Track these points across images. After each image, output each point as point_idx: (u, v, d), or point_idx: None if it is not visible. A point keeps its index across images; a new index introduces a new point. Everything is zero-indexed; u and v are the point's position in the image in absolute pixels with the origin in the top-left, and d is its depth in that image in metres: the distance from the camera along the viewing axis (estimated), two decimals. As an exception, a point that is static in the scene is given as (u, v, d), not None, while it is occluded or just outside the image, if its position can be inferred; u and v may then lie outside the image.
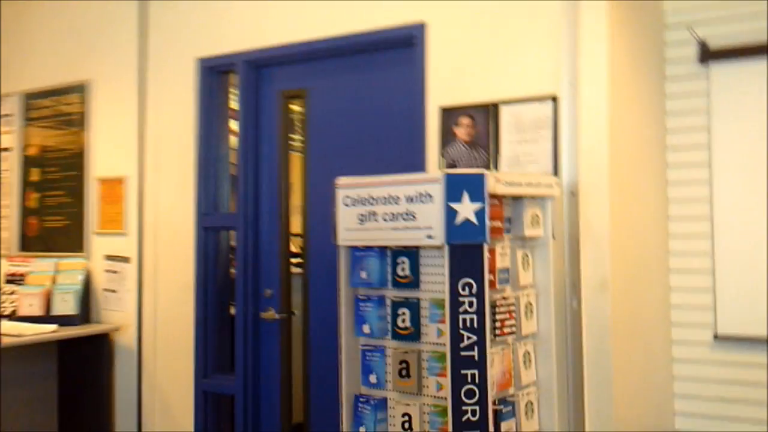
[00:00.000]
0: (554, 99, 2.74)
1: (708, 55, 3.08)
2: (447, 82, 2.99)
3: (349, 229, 2.31)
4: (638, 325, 2.85)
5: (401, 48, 3.14)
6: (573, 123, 2.69)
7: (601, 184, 2.63)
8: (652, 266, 3.03)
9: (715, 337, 2.96)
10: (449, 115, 2.97)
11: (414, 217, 2.17)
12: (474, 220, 2.10)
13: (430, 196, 2.14)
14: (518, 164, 2.81)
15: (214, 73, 3.67)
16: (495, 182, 2.14)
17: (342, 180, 2.36)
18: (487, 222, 2.10)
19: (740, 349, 2.90)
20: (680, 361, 3.03)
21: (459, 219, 2.10)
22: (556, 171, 2.72)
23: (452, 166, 2.95)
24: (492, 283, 2.19)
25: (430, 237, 2.13)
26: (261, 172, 3.54)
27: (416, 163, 3.03)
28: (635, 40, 2.96)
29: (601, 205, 2.63)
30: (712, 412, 2.93)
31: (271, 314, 3.42)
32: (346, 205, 2.32)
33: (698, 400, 2.98)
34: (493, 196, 2.16)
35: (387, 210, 2.22)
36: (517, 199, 2.34)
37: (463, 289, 2.09)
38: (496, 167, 2.85)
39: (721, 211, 3.02)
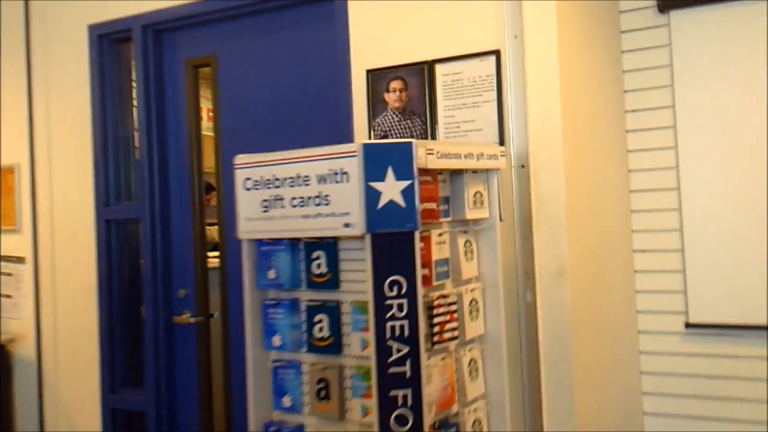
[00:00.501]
0: (497, 54, 2.33)
1: (668, 1, 2.71)
2: (374, 40, 2.55)
3: (252, 218, 1.87)
4: (602, 315, 2.48)
5: (320, 2, 2.69)
6: (519, 82, 2.28)
7: (554, 153, 2.24)
8: (615, 247, 2.66)
9: (687, 325, 2.61)
10: (378, 79, 2.54)
11: (327, 200, 1.74)
12: (401, 201, 1.68)
13: (346, 173, 1.71)
14: (459, 133, 2.40)
15: (110, 42, 3.16)
16: (426, 154, 1.73)
17: (241, 158, 1.92)
18: (418, 204, 1.69)
19: (715, 338, 2.56)
20: (649, 354, 2.68)
21: (382, 201, 1.68)
22: (502, 140, 2.32)
23: (384, 138, 2.53)
24: (427, 279, 1.78)
25: (347, 225, 1.71)
26: (169, 153, 3.07)
27: (342, 137, 2.60)
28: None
29: (555, 179, 2.24)
30: (684, 411, 2.59)
31: (186, 318, 2.97)
32: (247, 188, 1.88)
33: (669, 397, 2.63)
34: (424, 172, 1.75)
35: (295, 193, 1.79)
36: (455, 174, 1.93)
37: (391, 289, 1.67)
38: (433, 137, 2.44)
39: (688, 180, 2.67)
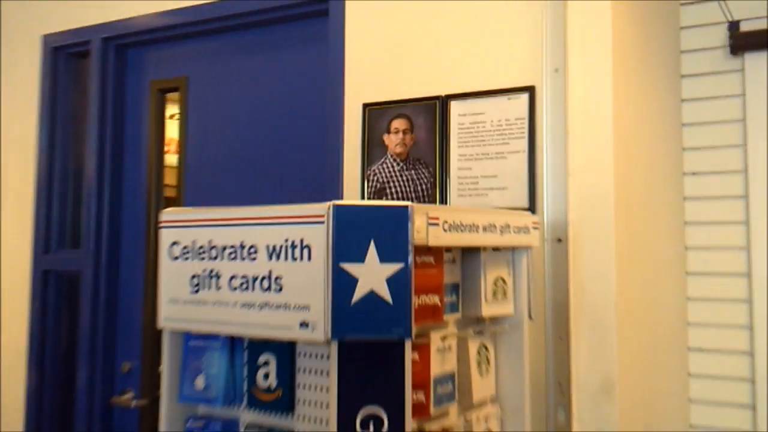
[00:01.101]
0: (531, 92, 1.79)
1: (743, 41, 2.17)
2: (374, 67, 2.03)
3: (177, 300, 1.32)
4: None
5: (312, 19, 2.18)
6: (559, 129, 1.74)
7: (602, 223, 1.68)
8: (669, 347, 2.08)
9: (765, 454, 2.01)
10: (377, 116, 2.00)
11: (280, 285, 1.18)
12: (386, 294, 1.12)
13: (308, 247, 1.16)
14: (476, 192, 1.84)
15: (66, 57, 2.66)
16: (428, 224, 1.17)
17: (169, 213, 1.37)
18: (412, 298, 1.13)
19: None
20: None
21: (359, 293, 1.12)
22: (533, 203, 1.77)
23: (380, 192, 1.98)
24: (422, 407, 1.21)
25: (305, 325, 1.15)
26: (123, 193, 2.53)
27: (329, 188, 2.06)
28: (643, 19, 2.04)
29: (603, 258, 1.67)
30: None
31: (128, 399, 2.40)
32: (174, 257, 1.33)
33: None
34: (424, 249, 1.20)
35: (237, 270, 1.24)
36: (469, 251, 1.37)
37: (365, 427, 1.10)
38: (443, 196, 1.89)
39: (761, 265, 2.09)
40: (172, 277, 1.32)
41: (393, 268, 1.12)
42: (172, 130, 2.52)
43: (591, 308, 1.68)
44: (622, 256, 1.70)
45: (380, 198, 1.97)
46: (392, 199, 1.95)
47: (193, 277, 1.29)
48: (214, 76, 2.39)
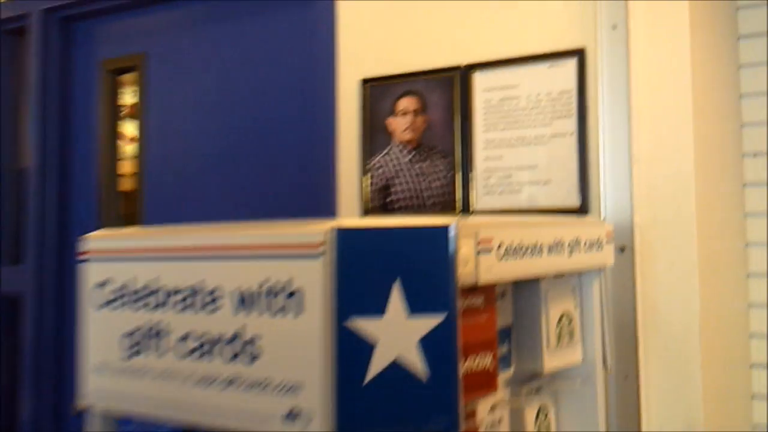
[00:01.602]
0: (580, 56, 1.38)
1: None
2: (374, 33, 1.62)
3: (105, 367, 0.91)
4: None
5: (293, -24, 1.77)
6: (621, 101, 1.33)
7: (681, 226, 1.29)
8: (735, 366, 1.69)
9: None
10: (379, 94, 1.59)
11: (255, 351, 0.78)
12: (419, 365, 0.72)
13: (299, 294, 0.75)
14: (509, 188, 1.44)
15: (5, 34, 2.22)
16: (478, 251, 0.77)
17: (94, 239, 0.96)
18: (459, 365, 0.73)
19: None
20: None
21: (378, 363, 0.72)
22: (585, 202, 1.37)
23: (384, 190, 1.57)
24: None
25: (293, 416, 0.74)
26: (72, 195, 2.11)
27: (320, 187, 1.66)
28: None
29: (682, 272, 1.28)
30: None
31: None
32: (102, 304, 0.92)
33: None
34: (470, 289, 0.80)
35: (192, 325, 0.83)
36: (522, 283, 0.97)
37: None
38: (466, 195, 1.49)
39: None
40: (99, 334, 0.91)
41: (429, 323, 0.73)
42: (129, 121, 2.10)
43: (667, 337, 1.28)
44: (707, 267, 1.30)
45: (384, 198, 1.57)
46: (399, 199, 1.55)
47: (129, 334, 0.88)
48: (177, 52, 1.97)
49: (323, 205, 1.64)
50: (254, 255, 0.79)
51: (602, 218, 1.33)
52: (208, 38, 1.91)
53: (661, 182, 1.30)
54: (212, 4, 1.91)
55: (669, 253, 1.29)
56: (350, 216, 1.62)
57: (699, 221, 1.28)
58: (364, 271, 0.73)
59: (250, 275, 0.78)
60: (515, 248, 0.84)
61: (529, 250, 0.86)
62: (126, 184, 2.07)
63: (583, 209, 1.36)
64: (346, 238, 0.73)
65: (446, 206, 1.50)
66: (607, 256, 1.05)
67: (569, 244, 0.95)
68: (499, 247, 0.81)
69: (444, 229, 0.74)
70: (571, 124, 1.38)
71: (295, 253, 0.75)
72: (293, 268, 0.75)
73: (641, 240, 1.31)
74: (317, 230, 0.74)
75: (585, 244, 0.99)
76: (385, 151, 1.58)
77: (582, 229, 0.99)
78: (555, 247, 0.92)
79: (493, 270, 0.79)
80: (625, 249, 1.31)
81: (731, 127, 1.60)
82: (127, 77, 2.07)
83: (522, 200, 1.43)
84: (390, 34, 1.59)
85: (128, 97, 2.09)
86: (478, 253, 0.77)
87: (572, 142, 1.38)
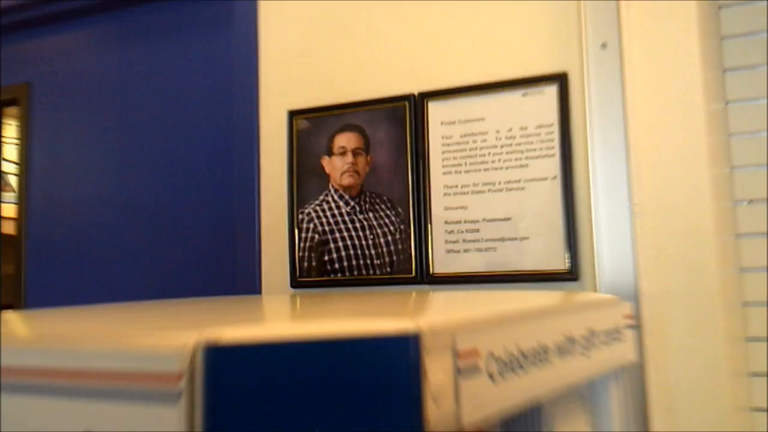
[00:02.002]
0: (561, 81, 1.10)
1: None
2: (305, 56, 1.31)
3: None
4: None
5: (207, -13, 1.46)
6: (615, 134, 1.05)
7: (702, 297, 1.00)
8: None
9: None
10: (312, 129, 1.28)
11: None
12: None
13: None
14: (477, 245, 1.14)
15: None
16: (458, 371, 0.45)
17: None
18: None
19: None
20: None
21: None
22: (574, 264, 1.07)
23: (320, 248, 1.25)
24: None
25: None
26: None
27: (238, 247, 1.33)
28: None
29: (707, 358, 0.99)
30: None
31: None
32: None
33: None
34: None
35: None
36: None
37: None
38: (422, 254, 1.17)
39: None
40: None
41: None
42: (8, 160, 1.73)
43: (686, 440, 0.98)
44: (735, 353, 1.02)
45: (320, 257, 1.24)
46: (338, 257, 1.23)
47: None
48: (70, 81, 1.62)
49: (241, 268, 1.31)
50: (63, 388, 0.45)
51: (598, 286, 1.04)
52: (106, 65, 1.58)
53: (672, 238, 1.01)
54: (110, 26, 1.58)
55: (686, 332, 1.00)
56: (275, 285, 1.29)
57: (723, 289, 1.00)
58: (257, 425, 0.40)
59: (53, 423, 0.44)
60: (512, 359, 0.52)
61: (532, 357, 0.55)
62: (10, 227, 1.70)
63: (572, 274, 1.07)
64: (225, 361, 0.41)
65: (398, 268, 1.19)
66: (627, 348, 0.75)
67: (582, 340, 0.64)
68: (491, 360, 0.49)
69: (399, 342, 0.42)
70: (552, 165, 1.10)
71: (135, 391, 0.42)
72: (131, 418, 0.42)
73: (650, 315, 1.02)
74: (173, 348, 0.41)
75: (601, 335, 0.68)
76: (320, 199, 1.26)
77: (594, 314, 0.68)
78: (565, 348, 0.61)
79: (485, 402, 0.48)
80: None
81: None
82: (8, 110, 1.72)
83: (494, 262, 1.12)
84: (324, 56, 1.29)
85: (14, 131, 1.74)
86: (458, 374, 0.46)
87: (555, 187, 1.09)
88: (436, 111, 1.19)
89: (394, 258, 1.20)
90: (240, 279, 1.31)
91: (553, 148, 1.10)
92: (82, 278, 1.52)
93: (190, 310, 0.67)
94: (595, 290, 1.05)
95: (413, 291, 1.14)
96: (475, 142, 1.15)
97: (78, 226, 1.56)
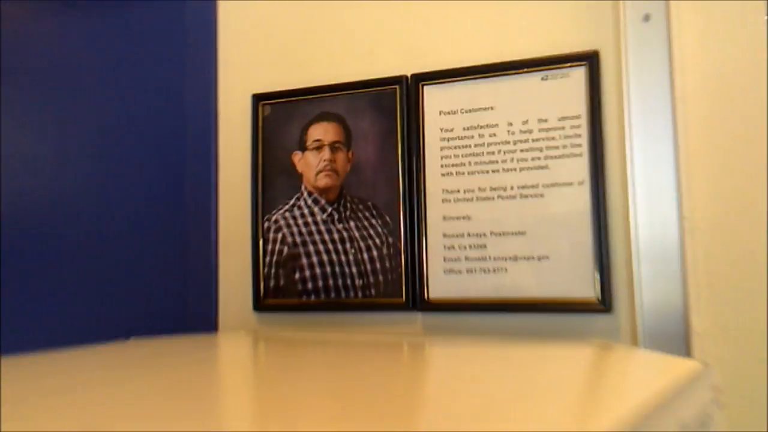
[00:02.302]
0: (591, 62, 0.88)
1: None
2: (274, 30, 1.08)
3: None
4: None
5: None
6: (661, 129, 0.84)
7: None
8: None
9: None
10: (282, 117, 1.05)
11: None
12: None
13: None
14: (482, 265, 0.92)
15: None
16: None
17: None
18: None
19: None
20: None
21: None
22: (605, 292, 0.86)
23: (290, 263, 1.02)
24: None
25: None
26: None
27: (190, 261, 1.10)
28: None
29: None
30: None
31: None
32: None
33: None
34: None
35: None
36: None
37: None
38: (415, 274, 0.95)
39: None
40: None
41: None
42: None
43: None
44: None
45: (290, 275, 1.02)
46: (313, 275, 1.01)
47: None
48: (5, 58, 1.37)
49: (194, 286, 1.08)
50: None
51: (636, 320, 0.83)
52: (41, 40, 1.33)
53: (732, 262, 0.80)
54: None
55: (747, 381, 0.79)
56: (235, 307, 1.06)
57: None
58: None
59: None
60: None
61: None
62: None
63: (603, 305, 0.85)
64: None
65: (385, 290, 0.97)
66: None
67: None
68: None
69: None
70: (579, 167, 0.88)
71: None
72: None
73: (702, 359, 0.80)
74: None
75: (690, 426, 0.46)
76: (290, 204, 1.04)
77: (681, 402, 0.46)
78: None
79: None
80: (674, 370, 0.80)
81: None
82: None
83: (504, 286, 0.91)
84: (297, 29, 1.06)
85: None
86: None
87: (583, 195, 0.87)
88: (433, 97, 0.96)
89: (380, 278, 0.98)
90: (192, 299, 1.09)
91: (580, 145, 0.88)
92: (5, 286, 1.29)
93: (106, 398, 0.44)
94: (633, 325, 0.84)
95: (410, 340, 0.93)
96: (481, 136, 0.93)
97: (7, 222, 1.32)
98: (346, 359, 0.64)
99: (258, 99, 1.07)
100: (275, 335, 0.94)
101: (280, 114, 1.05)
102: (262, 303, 1.04)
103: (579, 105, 0.88)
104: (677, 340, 0.80)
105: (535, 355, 0.66)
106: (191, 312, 1.09)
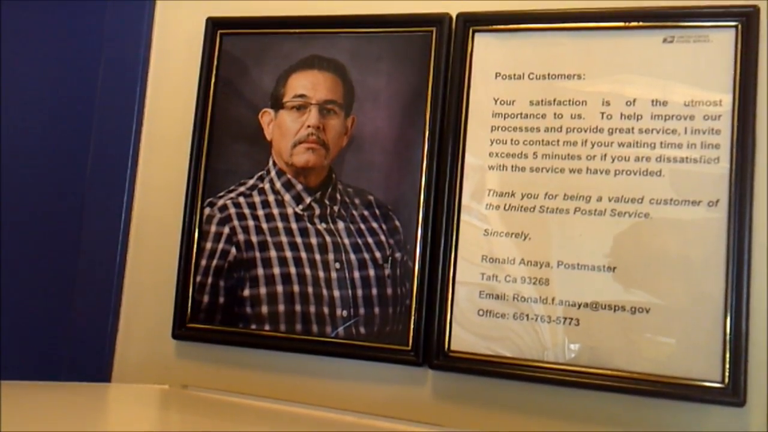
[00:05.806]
0: (746, 20, 0.58)
1: None
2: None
3: None
4: None
5: None
6: None
7: None
8: None
9: None
10: (250, 55, 0.70)
11: None
12: None
13: None
14: (528, 315, 0.60)
15: None
16: None
17: None
18: None
19: None
20: None
21: None
22: (735, 374, 0.55)
23: (236, 273, 0.68)
24: None
25: None
26: None
27: (93, 257, 0.73)
28: None
29: None
30: None
31: None
32: None
33: None
34: None
35: None
36: None
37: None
38: (433, 319, 0.63)
39: None
40: None
41: None
42: None
43: None
44: None
45: (235, 291, 0.67)
46: (268, 294, 0.67)
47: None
48: None
49: (83, 293, 0.72)
50: None
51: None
52: None
53: None
54: None
55: None
56: (143, 333, 0.71)
57: None
58: None
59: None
60: None
61: None
62: None
63: (733, 393, 0.55)
64: None
65: (381, 330, 0.64)
66: None
67: None
68: None
69: None
70: (714, 178, 0.58)
71: None
72: None
73: None
74: None
75: None
76: (249, 184, 0.69)
77: None
78: None
79: None
80: None
81: None
82: None
83: (576, 347, 0.59)
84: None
85: None
86: None
87: (716, 221, 0.57)
88: (488, 51, 0.64)
89: (377, 311, 0.64)
90: (78, 315, 0.72)
91: (717, 145, 0.58)
92: None
93: None
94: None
95: None
96: (559, 117, 0.62)
97: None
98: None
99: (215, 25, 0.72)
100: (190, 396, 0.60)
101: (247, 51, 0.70)
102: (185, 327, 0.69)
103: (721, 84, 0.58)
104: None
105: None
106: (75, 339, 0.72)
